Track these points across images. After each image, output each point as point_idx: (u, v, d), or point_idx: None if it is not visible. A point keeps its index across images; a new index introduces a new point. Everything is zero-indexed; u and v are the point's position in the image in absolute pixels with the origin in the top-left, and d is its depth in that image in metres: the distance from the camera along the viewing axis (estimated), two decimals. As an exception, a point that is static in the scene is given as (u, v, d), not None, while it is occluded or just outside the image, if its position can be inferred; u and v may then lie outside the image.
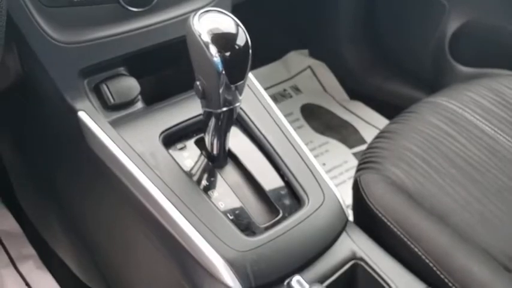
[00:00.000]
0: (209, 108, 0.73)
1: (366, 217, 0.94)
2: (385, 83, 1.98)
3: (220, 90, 0.69)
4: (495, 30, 1.60)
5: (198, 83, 0.72)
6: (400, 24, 1.87)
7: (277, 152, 0.84)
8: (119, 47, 0.89)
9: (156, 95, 0.93)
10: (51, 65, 0.83)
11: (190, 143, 0.84)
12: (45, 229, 1.23)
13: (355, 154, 1.83)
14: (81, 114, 0.84)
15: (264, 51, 1.94)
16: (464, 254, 0.80)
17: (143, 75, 0.94)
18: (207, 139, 0.78)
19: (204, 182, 0.79)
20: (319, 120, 1.84)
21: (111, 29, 0.88)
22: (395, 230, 0.89)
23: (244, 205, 0.77)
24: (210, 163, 0.81)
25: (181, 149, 0.83)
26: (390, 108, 1.62)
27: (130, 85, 0.87)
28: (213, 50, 0.71)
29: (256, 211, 0.78)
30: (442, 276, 0.84)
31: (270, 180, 0.81)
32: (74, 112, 0.84)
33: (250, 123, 0.86)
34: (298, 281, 0.74)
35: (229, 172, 0.83)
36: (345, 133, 1.82)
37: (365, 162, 0.95)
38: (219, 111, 0.72)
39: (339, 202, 0.86)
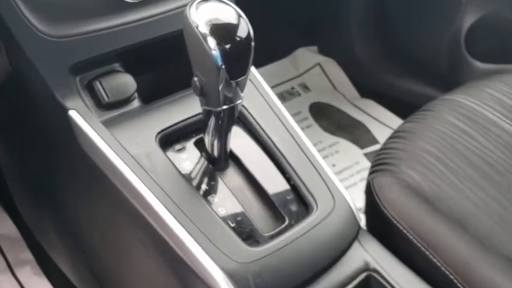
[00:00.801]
0: (208, 107, 0.68)
1: (380, 223, 0.88)
2: (397, 80, 1.91)
3: (220, 87, 0.65)
4: (514, 24, 1.52)
5: (196, 79, 0.66)
6: (414, 18, 1.80)
7: (282, 154, 0.78)
8: (113, 41, 0.83)
9: (153, 93, 0.88)
10: (39, 60, 0.77)
11: (189, 144, 0.79)
12: (41, 233, 1.18)
13: (367, 155, 1.77)
14: (72, 113, 0.78)
15: (271, 48, 1.90)
16: (486, 264, 0.73)
17: (140, 72, 0.88)
18: (207, 140, 0.74)
19: (203, 186, 0.73)
20: (329, 119, 1.78)
21: (104, 21, 0.82)
22: (411, 237, 0.83)
23: (246, 211, 0.71)
24: (210, 166, 0.77)
25: (179, 150, 0.78)
26: (403, 107, 1.56)
27: (125, 82, 0.81)
28: (212, 42, 0.65)
29: (259, 218, 0.72)
30: (462, 288, 0.78)
31: (275, 184, 0.76)
32: (65, 111, 0.78)
33: (254, 122, 0.80)
34: (306, 295, 0.68)
35: (231, 175, 0.78)
36: (356, 133, 1.77)
37: (379, 164, 0.89)
38: (218, 109, 0.67)
39: (351, 208, 0.79)
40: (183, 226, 0.68)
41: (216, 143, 0.73)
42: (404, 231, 0.84)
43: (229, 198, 0.73)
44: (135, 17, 0.85)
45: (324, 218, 0.72)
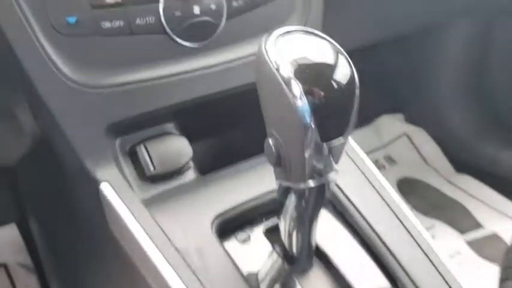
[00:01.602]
0: (288, 182, 0.50)
1: None
2: (500, 153, 1.67)
3: (306, 153, 0.47)
4: None
5: (271, 141, 0.50)
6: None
7: (390, 249, 0.55)
8: (165, 95, 0.66)
9: (213, 161, 0.70)
10: (67, 117, 0.61)
11: (258, 233, 0.62)
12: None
13: (470, 244, 1.47)
14: (105, 187, 0.60)
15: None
16: None
17: (198, 135, 0.71)
18: (283, 228, 0.56)
19: (276, 297, 0.55)
20: (421, 198, 1.56)
21: (154, 69, 0.65)
22: None
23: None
24: (286, 265, 0.58)
25: (243, 241, 0.62)
26: (509, 184, 1.38)
27: (179, 148, 0.68)
28: (296, 88, 0.46)
29: None
30: None
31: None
32: (96, 183, 0.59)
33: (348, 203, 0.63)
34: None
35: (316, 280, 0.59)
36: (453, 214, 1.55)
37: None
38: (302, 186, 0.49)
39: None
40: None
41: (295, 233, 0.55)
42: None
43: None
44: (195, 65, 0.68)
45: None
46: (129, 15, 0.62)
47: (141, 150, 0.66)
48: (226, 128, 0.77)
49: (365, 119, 1.86)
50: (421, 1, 1.22)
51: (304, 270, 0.58)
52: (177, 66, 0.67)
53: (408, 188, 1.69)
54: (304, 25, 0.75)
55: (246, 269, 0.58)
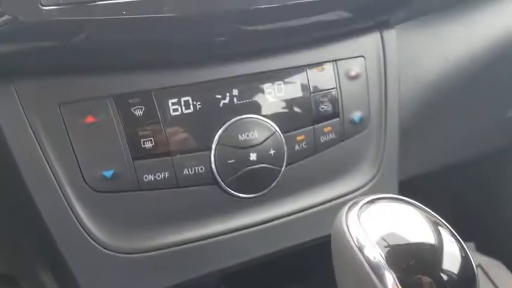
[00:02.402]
0: None
1: None
2: None
3: None
4: None
5: None
6: None
7: None
8: (215, 258, 0.56)
9: None
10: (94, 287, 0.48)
11: None
12: None
13: None
14: None
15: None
16: None
17: None
18: None
19: None
20: None
21: (202, 227, 0.55)
22: None
23: None
24: None
25: None
26: None
27: None
28: (390, 279, 0.35)
29: None
30: None
31: None
32: None
33: None
34: None
35: None
36: None
37: None
38: None
39: None
40: None
41: None
42: None
43: None
44: (250, 220, 0.58)
45: None
46: (175, 165, 0.53)
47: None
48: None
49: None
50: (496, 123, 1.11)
51: None
52: (229, 223, 0.57)
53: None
54: (377, 172, 0.64)
55: None
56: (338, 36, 0.60)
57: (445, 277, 0.35)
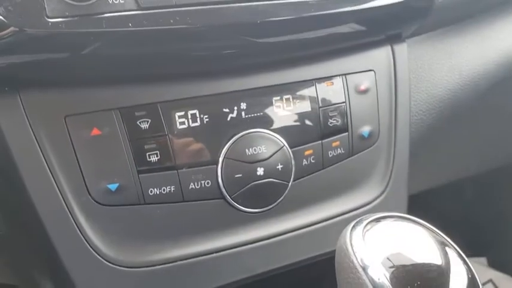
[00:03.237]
0: None
1: None
2: None
3: None
4: None
5: None
6: None
7: None
8: (220, 273, 0.54)
9: None
10: None
11: None
12: None
13: None
14: None
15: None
16: None
17: None
18: None
19: None
20: None
21: (208, 241, 0.54)
22: None
23: None
24: None
25: None
26: None
27: None
28: None
29: None
30: None
31: None
32: None
33: None
34: None
35: None
36: None
37: None
38: None
39: None
40: None
41: None
42: None
43: None
44: (255, 234, 0.58)
45: None
46: (182, 179, 0.52)
47: None
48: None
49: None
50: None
51: None
52: (235, 237, 0.56)
53: None
54: (385, 188, 0.63)
55: None
56: (348, 49, 0.59)
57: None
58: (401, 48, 0.62)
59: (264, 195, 0.56)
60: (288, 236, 0.58)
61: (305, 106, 0.57)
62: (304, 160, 0.57)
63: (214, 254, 0.55)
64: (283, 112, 0.56)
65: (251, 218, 0.56)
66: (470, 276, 0.37)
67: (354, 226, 0.37)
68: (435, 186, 1.21)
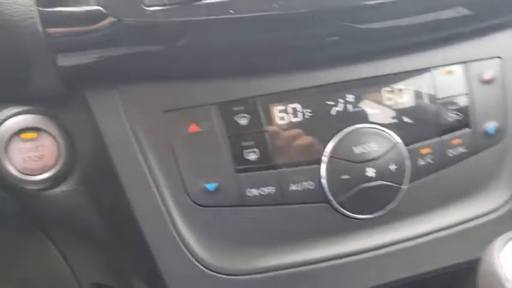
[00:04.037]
0: None
1: None
2: None
3: None
4: None
5: None
6: None
7: None
8: (324, 286, 0.47)
9: None
10: None
11: None
12: None
13: None
14: None
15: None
16: None
17: None
18: None
19: None
20: None
21: (311, 249, 0.50)
22: None
23: None
24: None
25: None
26: None
27: None
28: None
29: None
30: None
31: None
32: None
33: None
34: None
35: None
36: None
37: None
38: None
39: None
40: None
41: None
42: None
43: None
44: (365, 244, 0.52)
45: None
46: (282, 180, 0.48)
47: None
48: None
49: None
50: None
51: None
52: (341, 246, 0.50)
53: None
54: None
55: None
56: (469, 33, 0.51)
57: None
58: (533, 31, 0.54)
59: (374, 200, 0.50)
60: (403, 246, 0.51)
61: (420, 98, 0.50)
62: (421, 160, 0.50)
63: (319, 264, 0.49)
64: (396, 105, 0.50)
65: (359, 225, 0.50)
66: None
67: (501, 243, 0.31)
68: None
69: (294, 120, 0.48)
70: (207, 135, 0.46)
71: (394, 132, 0.49)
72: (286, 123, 0.48)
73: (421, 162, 0.50)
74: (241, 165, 0.47)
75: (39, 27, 0.41)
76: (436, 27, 0.49)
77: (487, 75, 0.52)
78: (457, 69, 0.51)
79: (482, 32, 0.52)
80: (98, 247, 0.55)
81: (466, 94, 0.52)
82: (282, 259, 0.49)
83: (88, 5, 0.41)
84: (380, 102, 0.49)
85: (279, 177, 0.48)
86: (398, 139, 0.49)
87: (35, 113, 0.45)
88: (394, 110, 0.49)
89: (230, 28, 0.42)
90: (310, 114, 0.48)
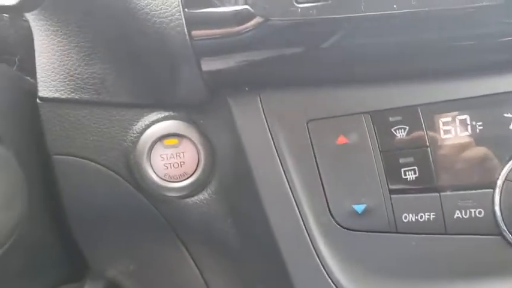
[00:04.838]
0: None
1: None
2: None
3: None
4: None
5: None
6: None
7: None
8: None
9: None
10: None
11: None
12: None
13: None
14: None
15: None
16: None
17: None
18: None
19: None
20: None
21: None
22: None
23: None
24: None
25: None
26: None
27: None
28: None
29: None
30: None
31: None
32: None
33: None
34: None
35: None
36: None
37: None
38: None
39: None
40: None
41: None
42: None
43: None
44: None
45: None
46: (445, 205, 0.41)
47: None
48: None
49: None
50: None
51: None
52: None
53: None
54: None
55: None
56: None
57: None
58: None
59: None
60: None
61: None
62: None
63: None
64: None
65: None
66: None
67: None
68: None
69: (462, 134, 0.41)
70: (357, 149, 0.41)
71: None
72: (453, 138, 0.41)
73: None
74: (397, 185, 0.41)
75: (185, 30, 0.39)
76: None
77: None
78: None
79: None
80: (231, 260, 0.52)
81: None
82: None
83: (235, 5, 0.38)
84: None
85: (442, 202, 0.40)
86: None
87: (176, 119, 0.44)
88: None
89: (391, 26, 0.37)
90: (482, 128, 0.40)
